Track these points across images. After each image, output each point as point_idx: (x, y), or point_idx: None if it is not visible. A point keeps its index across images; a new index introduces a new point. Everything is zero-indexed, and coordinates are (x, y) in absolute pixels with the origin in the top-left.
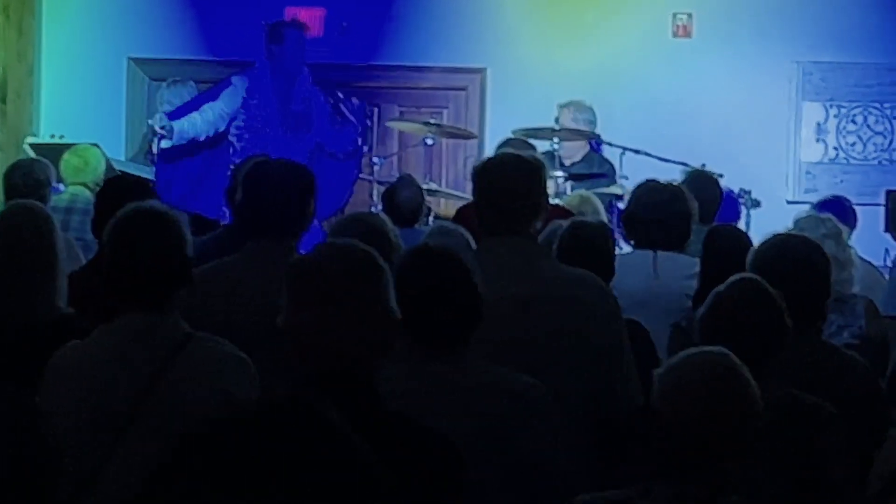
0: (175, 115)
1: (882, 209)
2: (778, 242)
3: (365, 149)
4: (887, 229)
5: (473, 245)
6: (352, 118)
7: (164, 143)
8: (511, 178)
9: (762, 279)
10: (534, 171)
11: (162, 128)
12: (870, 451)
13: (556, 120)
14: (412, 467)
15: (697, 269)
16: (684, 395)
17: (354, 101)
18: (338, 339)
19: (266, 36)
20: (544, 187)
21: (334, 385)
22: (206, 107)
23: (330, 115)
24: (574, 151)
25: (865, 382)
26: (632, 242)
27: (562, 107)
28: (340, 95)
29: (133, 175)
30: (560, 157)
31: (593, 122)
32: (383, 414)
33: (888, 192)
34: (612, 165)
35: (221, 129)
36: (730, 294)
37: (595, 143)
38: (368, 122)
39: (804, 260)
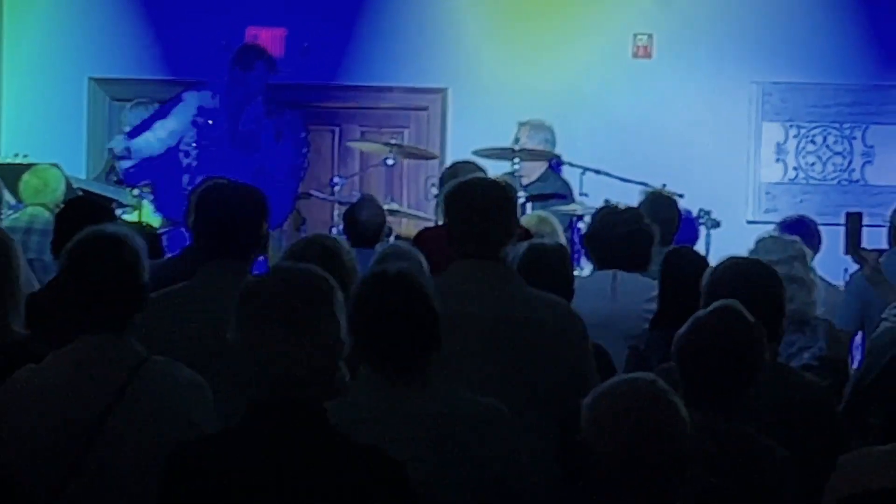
0: (133, 134)
1: (842, 229)
2: (733, 266)
3: (306, 162)
4: (847, 251)
5: (426, 266)
6: (288, 132)
7: (125, 164)
8: (483, 201)
9: (744, 309)
10: (506, 196)
11: (124, 149)
12: (824, 474)
13: (516, 138)
14: (361, 491)
15: (657, 291)
16: (610, 424)
17: (288, 114)
18: (284, 363)
19: (235, 57)
20: (515, 211)
21: (281, 409)
22: (157, 125)
23: (275, 135)
24: (531, 170)
25: (821, 404)
26: (593, 263)
27: (521, 125)
28: (275, 121)
29: (94, 196)
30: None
31: (551, 142)
32: (332, 438)
33: (847, 214)
34: (566, 184)
35: (172, 145)
36: (711, 321)
37: (555, 163)
38: (303, 133)
39: (759, 284)
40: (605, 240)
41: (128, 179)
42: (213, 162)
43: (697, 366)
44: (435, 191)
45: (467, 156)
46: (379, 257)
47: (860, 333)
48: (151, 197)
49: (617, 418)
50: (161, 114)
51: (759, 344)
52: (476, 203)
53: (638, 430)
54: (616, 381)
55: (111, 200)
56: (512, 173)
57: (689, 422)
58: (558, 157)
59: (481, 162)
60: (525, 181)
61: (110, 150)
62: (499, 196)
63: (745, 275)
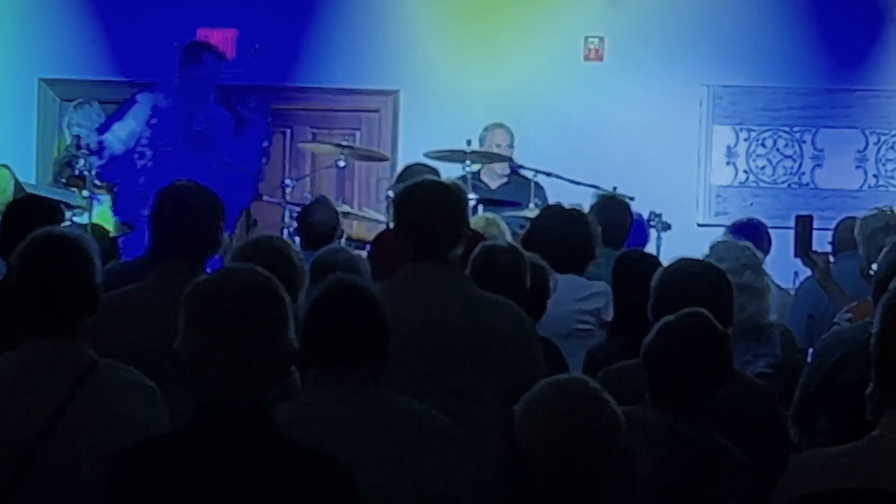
0: (99, 131)
1: (792, 232)
2: (683, 267)
3: (266, 143)
4: (796, 254)
5: (367, 269)
6: (254, 118)
7: (96, 160)
8: (432, 205)
9: (710, 315)
10: (455, 199)
11: (97, 142)
12: (771, 478)
13: (482, 140)
14: (306, 493)
15: (593, 290)
16: (543, 429)
17: (252, 101)
18: (231, 366)
19: (183, 55)
20: (465, 214)
21: (227, 412)
22: (115, 126)
23: (234, 130)
24: (503, 174)
25: (766, 407)
26: None
27: (494, 127)
28: (240, 109)
29: (41, 197)
30: (483, 180)
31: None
32: (278, 440)
33: (797, 217)
34: (539, 187)
35: (130, 147)
36: (679, 326)
37: (516, 165)
38: (269, 118)
39: (707, 285)
40: (542, 240)
41: (102, 177)
42: (169, 163)
43: (664, 370)
44: (390, 193)
45: (419, 158)
46: (316, 262)
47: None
48: (110, 199)
49: (549, 423)
50: (117, 116)
51: (726, 352)
52: (424, 206)
53: (571, 432)
54: (545, 385)
55: (59, 202)
56: (464, 177)
57: (622, 419)
58: (510, 159)
59: (433, 164)
60: (495, 185)
61: (86, 145)
62: (447, 198)
63: (695, 276)
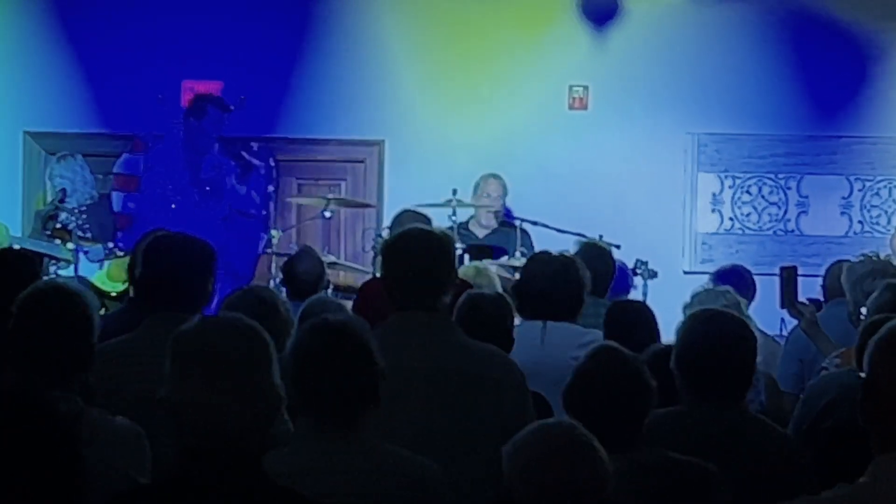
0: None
1: (777, 279)
2: (707, 319)
3: (272, 188)
4: (782, 305)
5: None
6: (257, 162)
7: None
8: (420, 253)
9: (621, 347)
10: (442, 247)
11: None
12: None
13: (476, 189)
14: None
15: (588, 339)
16: (530, 471)
17: (254, 146)
18: (218, 414)
19: (188, 107)
20: (453, 262)
21: (215, 459)
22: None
23: (238, 177)
24: (490, 221)
25: (791, 454)
26: (518, 313)
27: (487, 177)
28: (244, 154)
29: (20, 250)
30: (471, 230)
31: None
32: (268, 488)
33: (782, 268)
34: (525, 233)
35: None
36: (589, 364)
37: (507, 213)
38: (272, 163)
39: (734, 336)
40: (533, 290)
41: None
42: (179, 213)
43: (587, 412)
44: (380, 238)
45: (401, 208)
46: (304, 312)
47: None
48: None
49: (536, 465)
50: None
51: (640, 376)
52: (409, 256)
53: (558, 476)
54: (534, 428)
55: (43, 256)
56: (451, 227)
57: (609, 465)
58: (496, 210)
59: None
60: (482, 233)
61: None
62: (434, 247)
63: (720, 328)
